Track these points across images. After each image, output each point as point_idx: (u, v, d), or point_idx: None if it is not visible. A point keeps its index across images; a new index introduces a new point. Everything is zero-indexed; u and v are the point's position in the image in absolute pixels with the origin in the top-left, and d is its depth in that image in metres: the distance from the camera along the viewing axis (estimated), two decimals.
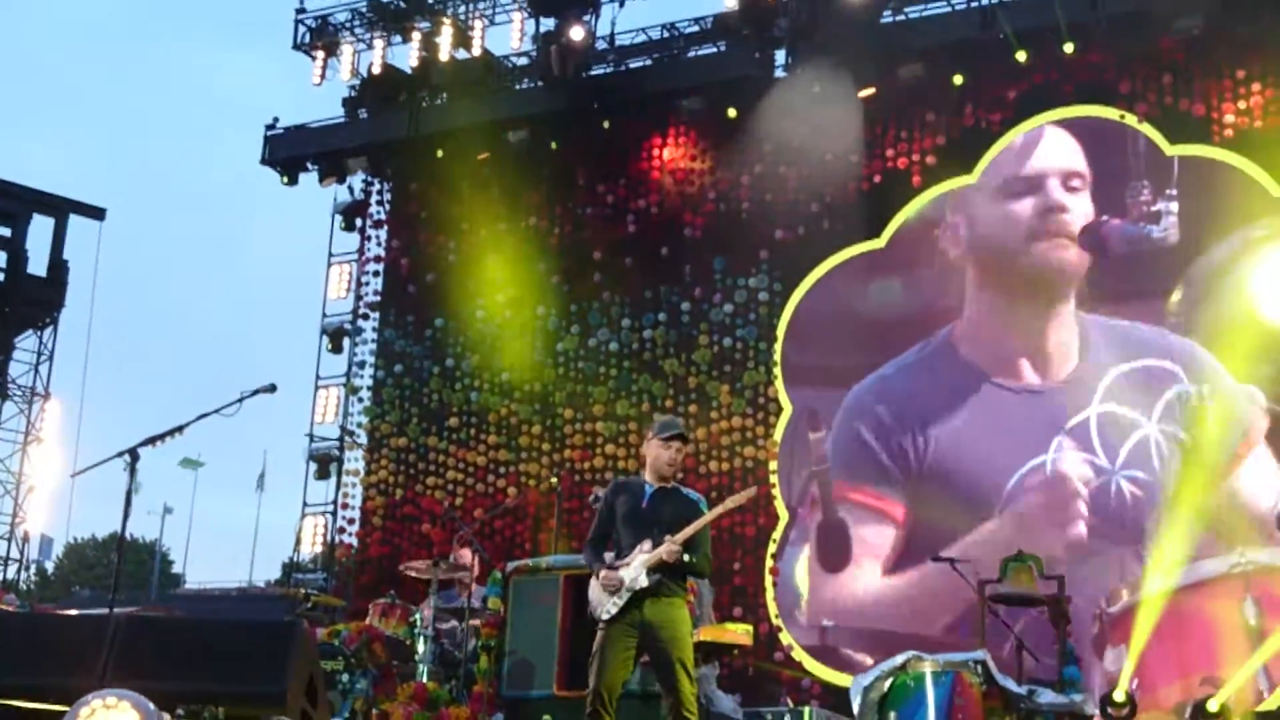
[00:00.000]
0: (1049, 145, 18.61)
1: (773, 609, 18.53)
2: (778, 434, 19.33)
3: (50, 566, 46.28)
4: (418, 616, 13.52)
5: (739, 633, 12.47)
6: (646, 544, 8.50)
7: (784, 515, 18.79)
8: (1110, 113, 18.26)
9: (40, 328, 29.06)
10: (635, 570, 8.44)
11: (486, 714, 11.73)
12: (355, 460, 23.03)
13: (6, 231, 27.91)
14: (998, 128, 18.99)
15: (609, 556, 8.69)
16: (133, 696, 5.95)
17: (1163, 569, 16.14)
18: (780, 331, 19.69)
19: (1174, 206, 17.48)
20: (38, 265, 28.42)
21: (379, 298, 23.56)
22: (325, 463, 23.22)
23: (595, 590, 8.58)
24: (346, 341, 23.57)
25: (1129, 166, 17.88)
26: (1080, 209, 18.07)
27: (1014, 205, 18.54)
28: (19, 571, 29.72)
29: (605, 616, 8.47)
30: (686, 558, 8.51)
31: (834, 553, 18.35)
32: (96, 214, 29.34)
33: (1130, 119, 18.06)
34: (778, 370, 19.59)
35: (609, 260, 21.20)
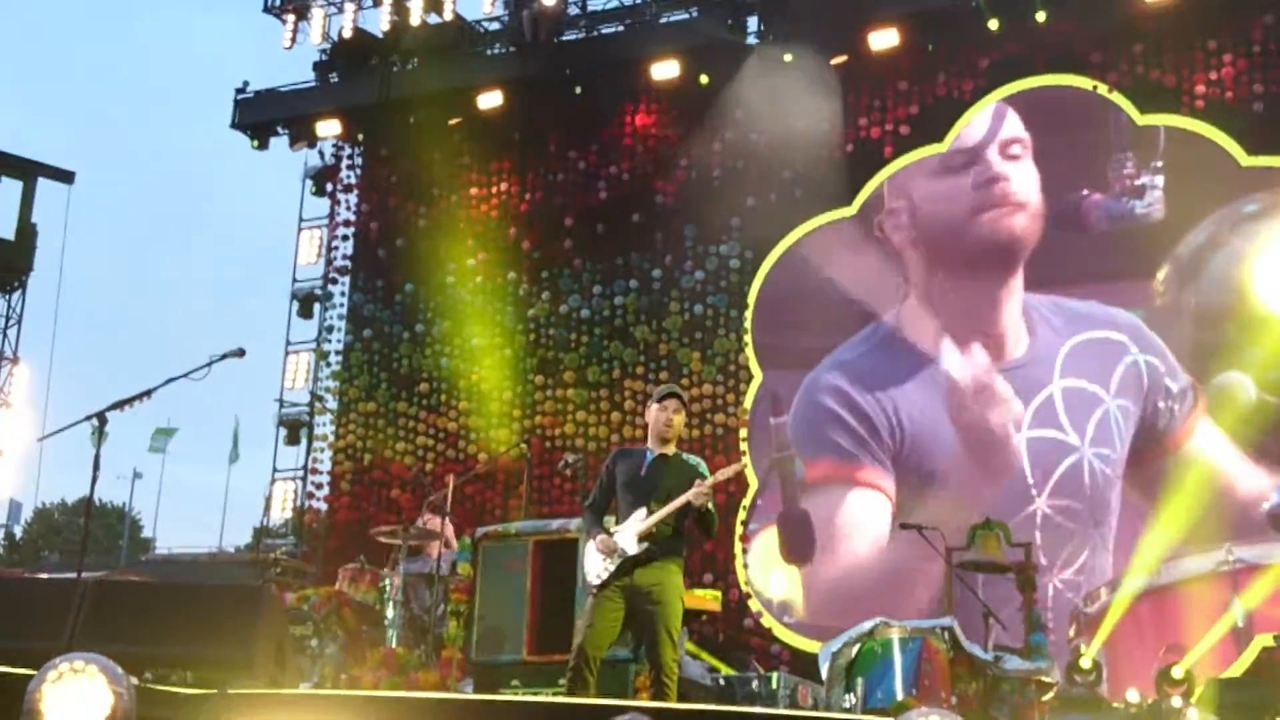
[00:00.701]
0: (983, 115, 18.63)
1: (742, 575, 18.57)
2: (748, 401, 19.34)
3: (19, 531, 46.06)
4: (386, 582, 13.52)
5: (708, 599, 12.50)
6: (642, 511, 8.44)
7: (754, 483, 18.81)
8: (1082, 82, 18.29)
9: (8, 291, 28.86)
10: (628, 536, 8.40)
11: (456, 679, 11.74)
12: (325, 425, 23.00)
13: None
14: (970, 96, 18.99)
15: (610, 523, 8.64)
16: (100, 660, 5.91)
17: (1144, 565, 16.09)
18: (751, 299, 19.69)
19: (1159, 181, 17.44)
20: (5, 228, 28.19)
21: (349, 263, 23.49)
22: (295, 428, 23.19)
23: (589, 555, 8.54)
24: (316, 306, 23.51)
25: (1110, 139, 17.88)
26: (1022, 175, 18.08)
27: (955, 179, 18.55)
28: None
29: (596, 581, 8.44)
30: (709, 506, 8.46)
31: (800, 544, 18.32)
32: (65, 177, 29.11)
33: (1102, 88, 18.09)
34: (748, 338, 19.59)
35: (580, 227, 21.17)
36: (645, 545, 8.38)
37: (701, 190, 20.37)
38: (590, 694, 8.15)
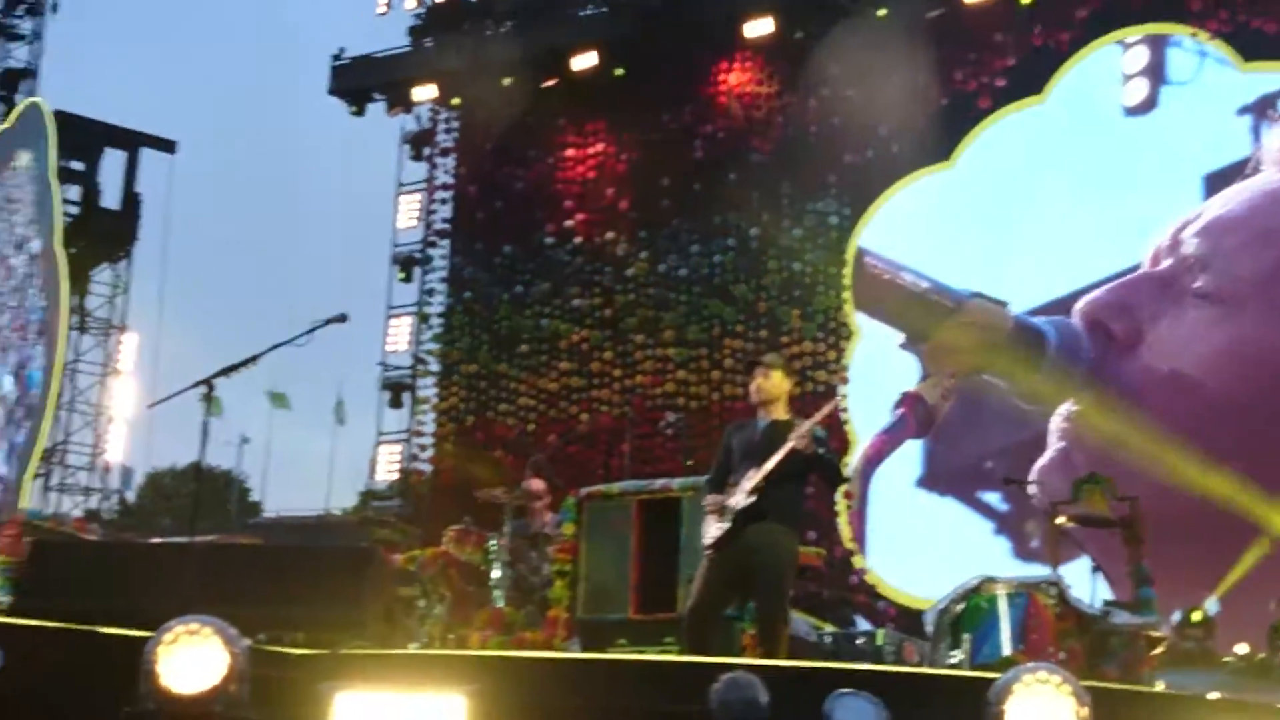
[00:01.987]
0: None
1: (846, 533, 18.52)
2: (848, 358, 19.26)
3: (131, 496, 46.66)
4: (492, 542, 13.59)
5: (812, 555, 12.47)
6: (752, 471, 8.39)
7: (854, 440, 18.74)
8: (1181, 29, 17.98)
9: (115, 261, 29.22)
10: (740, 494, 8.35)
11: (562, 638, 11.78)
12: (427, 388, 23.18)
13: (80, 166, 28.03)
14: (1066, 48, 18.74)
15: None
16: (214, 622, 6.00)
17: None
18: (850, 255, 19.58)
19: None
20: (111, 199, 28.52)
21: (448, 226, 23.62)
22: (398, 391, 23.36)
23: (706, 520, 8.51)
24: (417, 270, 23.65)
25: None
26: None
27: None
28: (101, 501, 30.08)
29: (709, 541, 8.40)
30: (821, 450, 8.41)
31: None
32: (167, 147, 29.41)
33: (1202, 35, 17.78)
34: (847, 294, 19.49)
35: (677, 186, 21.12)
36: (753, 498, 8.32)
37: (798, 147, 20.26)
38: (707, 653, 8.16)
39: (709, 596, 8.35)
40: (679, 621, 8.83)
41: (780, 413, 8.67)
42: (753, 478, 8.36)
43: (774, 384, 8.73)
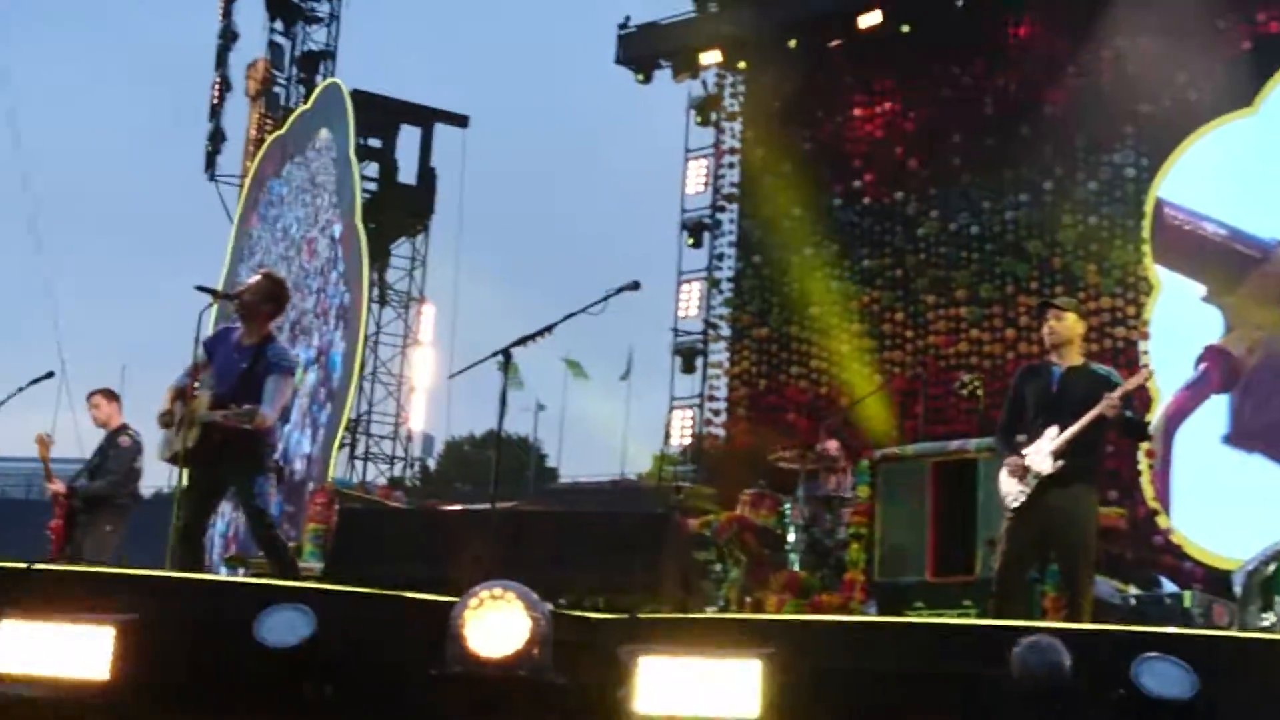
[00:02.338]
0: None
1: (1148, 491, 18.06)
2: (1148, 313, 18.75)
3: (432, 464, 47.92)
4: (787, 506, 13.63)
5: (1114, 516, 12.21)
6: (1053, 429, 8.24)
7: (1157, 396, 18.24)
8: None
9: (413, 234, 30.04)
10: (1041, 456, 8.22)
11: (859, 601, 11.77)
12: (719, 352, 23.30)
13: (377, 143, 28.86)
14: None
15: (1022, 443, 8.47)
16: (517, 587, 6.14)
17: None
18: (1148, 208, 19.04)
19: None
20: (408, 174, 29.32)
21: (736, 190, 23.68)
22: (690, 356, 23.54)
23: (1004, 478, 8.40)
24: (706, 235, 23.78)
25: None
26: None
27: None
28: (404, 469, 30.98)
29: (1013, 505, 8.29)
30: (1128, 413, 8.26)
31: None
32: (460, 121, 30.11)
33: None
34: (1146, 248, 18.96)
35: (967, 142, 20.81)
36: (1060, 463, 8.17)
37: (1092, 98, 19.74)
38: (1015, 617, 8.07)
39: (1013, 561, 8.24)
40: (977, 584, 8.73)
41: (1074, 357, 8.51)
42: (1053, 438, 8.20)
43: (1067, 326, 8.56)
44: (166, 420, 9.12)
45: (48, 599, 6.91)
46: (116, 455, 11.78)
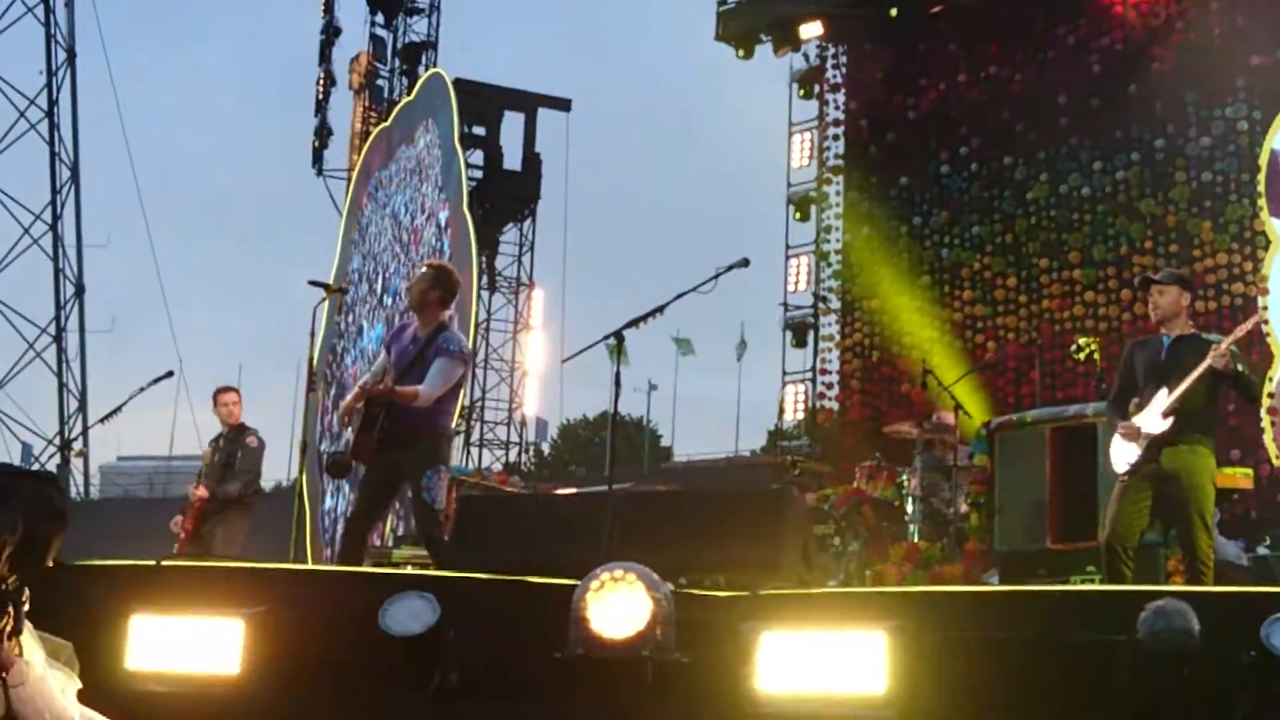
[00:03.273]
0: None
1: (1273, 450, 17.78)
2: (1267, 268, 18.43)
3: (546, 448, 48.23)
4: (904, 477, 13.58)
5: (1238, 476, 12.05)
6: (1163, 392, 8.16)
7: (1278, 352, 17.93)
8: None
9: (519, 220, 30.25)
10: (1151, 417, 8.14)
11: (980, 570, 11.71)
12: (830, 326, 23.24)
13: (481, 131, 29.06)
14: None
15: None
16: (637, 568, 6.17)
17: None
18: (1263, 161, 18.71)
19: None
20: (512, 160, 29.53)
21: (841, 162, 23.58)
22: (801, 330, 23.50)
23: (1115, 442, 8.34)
24: (813, 208, 23.70)
25: None
26: None
27: None
28: (519, 454, 31.22)
29: (1124, 468, 8.23)
30: (1239, 366, 8.14)
31: None
32: (563, 106, 30.28)
33: None
34: (1262, 202, 18.63)
35: (1075, 103, 20.55)
36: (1169, 422, 8.09)
37: (1201, 53, 19.41)
38: (1127, 582, 8.00)
39: (1125, 526, 8.16)
40: (1100, 550, 8.64)
41: (1182, 329, 8.41)
42: (1163, 399, 8.13)
43: (1169, 300, 8.46)
44: (347, 419, 9.24)
45: (176, 595, 7.03)
46: (247, 456, 11.95)
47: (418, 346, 9.12)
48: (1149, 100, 19.81)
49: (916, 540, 12.77)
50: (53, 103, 29.32)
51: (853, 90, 23.57)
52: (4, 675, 5.29)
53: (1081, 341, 14.29)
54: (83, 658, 6.00)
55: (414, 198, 25.63)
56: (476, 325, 25.32)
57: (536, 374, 28.89)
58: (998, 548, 11.61)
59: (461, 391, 10.00)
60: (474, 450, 30.24)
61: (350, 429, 9.31)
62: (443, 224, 24.57)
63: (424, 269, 9.72)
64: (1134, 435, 8.16)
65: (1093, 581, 9.80)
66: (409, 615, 6.39)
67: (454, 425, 10.05)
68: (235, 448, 11.89)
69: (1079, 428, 11.22)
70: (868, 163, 23.00)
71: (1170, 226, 19.37)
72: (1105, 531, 8.22)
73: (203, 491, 11.74)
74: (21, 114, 28.85)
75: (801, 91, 24.11)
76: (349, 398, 9.23)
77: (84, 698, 5.72)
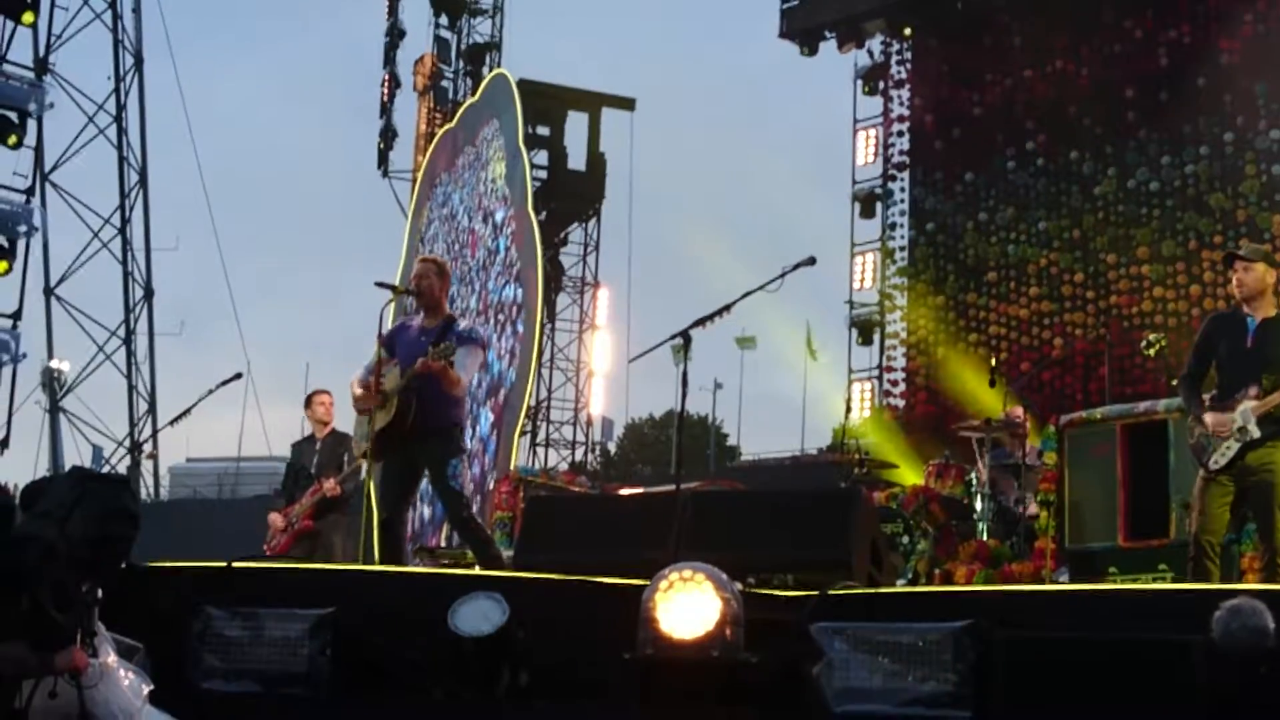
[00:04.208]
0: None
1: None
2: None
3: (612, 447, 48.23)
4: (973, 475, 13.48)
5: None
6: (1253, 389, 7.91)
7: None
8: None
9: (584, 220, 30.25)
10: (1245, 418, 7.87)
11: (1050, 569, 11.61)
12: (896, 323, 23.16)
13: (546, 131, 29.07)
14: None
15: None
16: (706, 568, 6.14)
17: None
18: None
19: None
20: (577, 160, 29.52)
21: (906, 158, 23.49)
22: (867, 328, 23.44)
23: (1200, 434, 8.08)
24: (878, 205, 23.62)
25: None
26: None
27: None
28: (585, 454, 31.21)
29: (1214, 466, 7.96)
30: None
31: None
32: (627, 105, 30.25)
33: None
34: None
35: (1143, 96, 20.40)
36: (1274, 427, 7.81)
37: (1271, 45, 19.22)
38: (1214, 580, 7.85)
39: (1211, 523, 7.98)
40: (1171, 547, 8.53)
41: (1268, 309, 8.06)
42: (1254, 398, 7.85)
43: (1256, 277, 8.09)
44: (363, 406, 9.18)
45: (247, 596, 7.06)
46: (351, 457, 11.95)
47: (430, 338, 9.01)
48: (1218, 93, 19.64)
49: (985, 538, 12.66)
50: (121, 108, 29.53)
51: (917, 86, 23.47)
52: (79, 676, 5.34)
53: (1151, 338, 14.16)
54: (155, 659, 6.07)
55: (478, 200, 25.70)
56: (542, 325, 25.34)
57: (602, 373, 28.82)
58: (1068, 546, 11.49)
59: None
60: (540, 450, 30.27)
61: (364, 421, 9.21)
62: (504, 225, 24.61)
63: (428, 261, 9.65)
64: (1227, 432, 7.89)
65: (1164, 580, 9.70)
66: (478, 615, 6.39)
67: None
68: (341, 449, 11.87)
69: (1150, 424, 11.08)
70: (933, 159, 22.91)
71: (1240, 221, 19.19)
72: (1194, 527, 8.06)
73: (335, 487, 11.73)
74: (90, 119, 29.04)
75: (866, 88, 24.03)
76: (359, 392, 9.19)
77: (155, 698, 5.76)
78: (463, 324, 9.29)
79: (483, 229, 25.55)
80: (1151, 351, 14.54)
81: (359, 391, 9.20)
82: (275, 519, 11.92)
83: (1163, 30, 20.41)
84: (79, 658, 5.36)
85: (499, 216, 24.82)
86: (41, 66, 24.09)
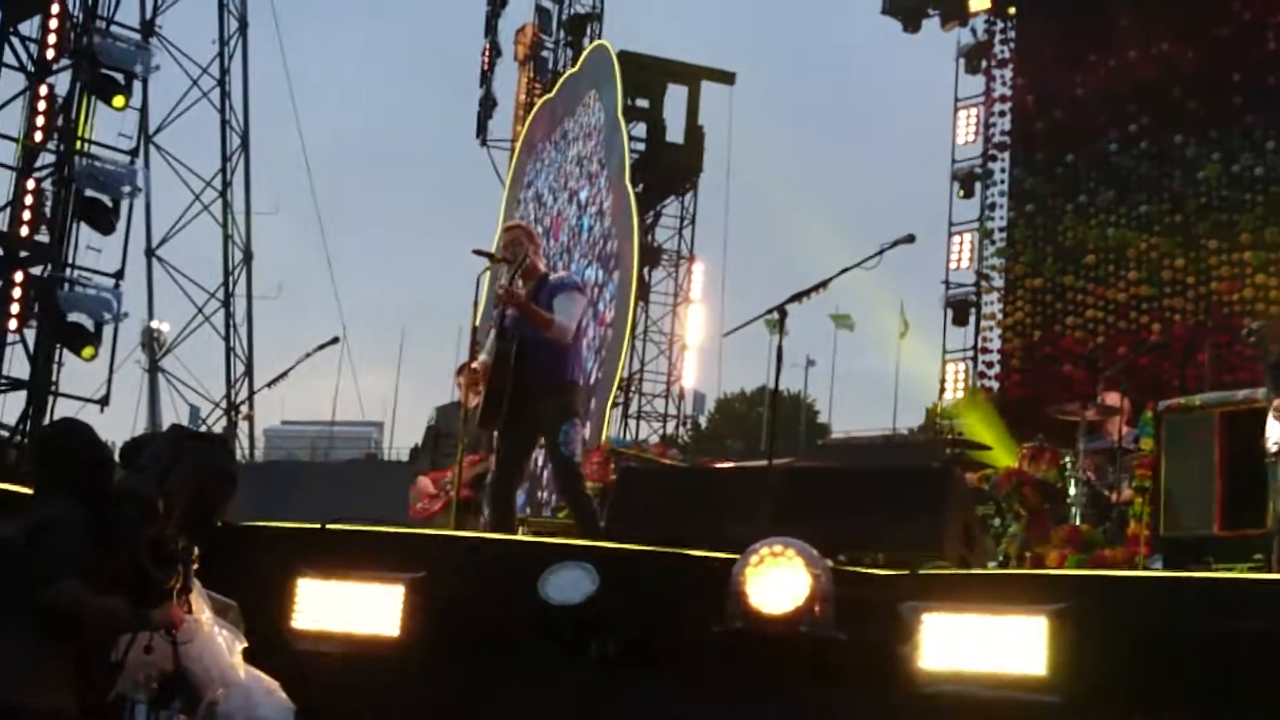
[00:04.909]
0: None
1: None
2: None
3: (703, 421, 48.19)
4: (1067, 459, 13.36)
5: None
6: None
7: None
8: None
9: (681, 193, 30.24)
10: None
11: (1143, 555, 11.49)
12: (992, 304, 22.98)
13: (645, 103, 29.07)
14: None
15: None
16: (797, 544, 6.13)
17: None
18: None
19: None
20: (675, 133, 29.51)
21: (1007, 138, 23.28)
22: (962, 308, 23.28)
23: (1271, 423, 8.05)
24: (977, 185, 23.44)
25: None
26: None
27: None
28: (677, 427, 31.24)
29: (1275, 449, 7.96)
30: None
31: None
32: (727, 78, 30.20)
33: None
34: None
35: (1249, 80, 20.06)
36: None
37: None
38: None
39: None
40: (1268, 537, 8.43)
41: None
42: None
43: None
44: (474, 377, 9.04)
45: (341, 557, 7.12)
46: None
47: (527, 298, 8.83)
48: None
49: (1078, 523, 12.55)
50: (224, 72, 29.72)
51: (1020, 66, 23.24)
52: (174, 632, 5.41)
53: (1253, 325, 13.96)
54: (249, 617, 6.14)
55: (575, 171, 25.70)
56: (636, 298, 25.35)
57: (695, 347, 28.81)
58: (1162, 533, 11.37)
59: (585, 341, 9.74)
60: (632, 422, 30.34)
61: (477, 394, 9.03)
62: (584, 201, 24.60)
63: (514, 228, 9.42)
64: None
65: (1262, 570, 9.58)
66: (569, 585, 6.42)
67: (585, 378, 9.62)
68: None
69: (1249, 412, 10.93)
70: (1034, 139, 22.67)
71: None
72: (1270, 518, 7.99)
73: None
74: (194, 82, 29.26)
75: (968, 67, 23.84)
76: (466, 374, 9.05)
77: (249, 656, 5.83)
78: (554, 276, 9.17)
79: (568, 209, 25.57)
80: (1253, 339, 14.35)
81: (466, 377, 9.07)
82: (425, 483, 11.85)
83: (1272, 13, 20.06)
84: (175, 614, 5.43)
85: (583, 195, 24.81)
86: (148, 29, 24.25)
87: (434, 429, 12.31)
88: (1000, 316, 22.73)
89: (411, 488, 11.94)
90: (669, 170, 29.49)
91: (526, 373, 8.66)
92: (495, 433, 9.13)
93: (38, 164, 20.92)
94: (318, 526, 7.46)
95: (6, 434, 20.38)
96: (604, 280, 23.10)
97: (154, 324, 31.52)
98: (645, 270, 28.18)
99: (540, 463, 15.04)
